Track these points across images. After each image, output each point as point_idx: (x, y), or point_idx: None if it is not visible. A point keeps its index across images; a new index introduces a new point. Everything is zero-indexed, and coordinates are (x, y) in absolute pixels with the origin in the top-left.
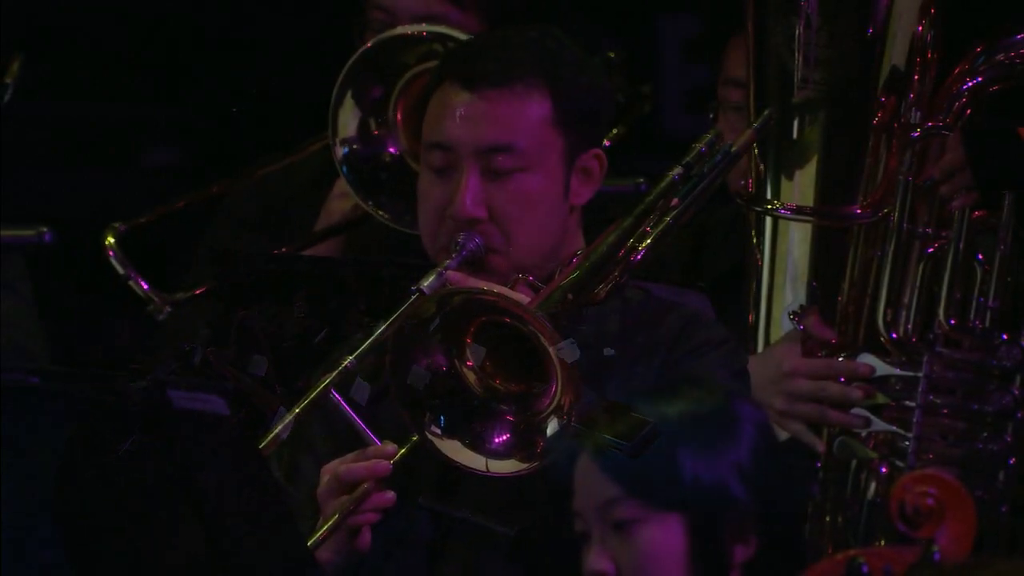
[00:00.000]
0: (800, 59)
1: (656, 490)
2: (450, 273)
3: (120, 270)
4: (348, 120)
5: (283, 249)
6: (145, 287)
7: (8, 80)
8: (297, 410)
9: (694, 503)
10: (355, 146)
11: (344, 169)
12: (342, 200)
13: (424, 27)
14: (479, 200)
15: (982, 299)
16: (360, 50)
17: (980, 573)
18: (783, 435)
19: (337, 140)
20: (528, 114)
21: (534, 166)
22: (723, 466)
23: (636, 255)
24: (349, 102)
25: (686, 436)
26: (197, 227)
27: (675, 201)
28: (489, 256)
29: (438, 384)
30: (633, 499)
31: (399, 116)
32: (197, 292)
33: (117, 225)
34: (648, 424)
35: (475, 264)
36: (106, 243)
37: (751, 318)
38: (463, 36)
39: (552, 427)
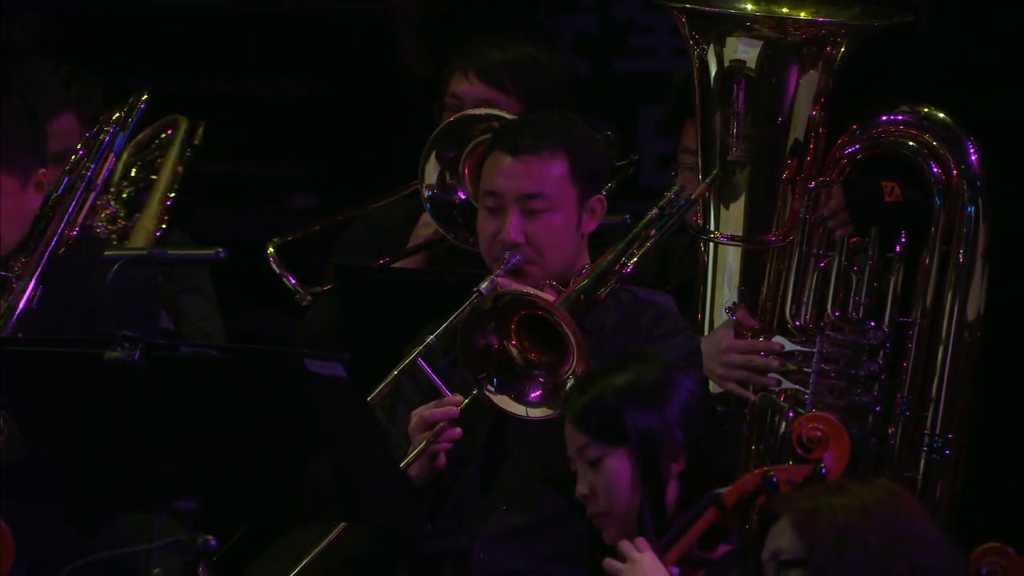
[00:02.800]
0: (732, 135)
1: (611, 436)
2: (500, 279)
3: (276, 270)
4: (431, 172)
5: (386, 259)
6: (293, 282)
7: (196, 142)
8: (395, 373)
9: (637, 442)
10: (436, 190)
11: (428, 205)
12: (426, 228)
13: (484, 111)
14: (519, 231)
15: (857, 298)
16: (443, 123)
17: (841, 494)
18: (719, 390)
19: (424, 185)
20: (552, 172)
21: (557, 207)
22: (658, 416)
23: (626, 269)
24: (432, 159)
25: (629, 398)
26: (327, 244)
27: (653, 232)
28: (526, 266)
29: (492, 356)
30: (597, 443)
31: (466, 171)
32: (325, 288)
33: (276, 240)
34: None
35: (516, 273)
36: (268, 251)
37: (700, 311)
38: (510, 116)
39: (570, 385)
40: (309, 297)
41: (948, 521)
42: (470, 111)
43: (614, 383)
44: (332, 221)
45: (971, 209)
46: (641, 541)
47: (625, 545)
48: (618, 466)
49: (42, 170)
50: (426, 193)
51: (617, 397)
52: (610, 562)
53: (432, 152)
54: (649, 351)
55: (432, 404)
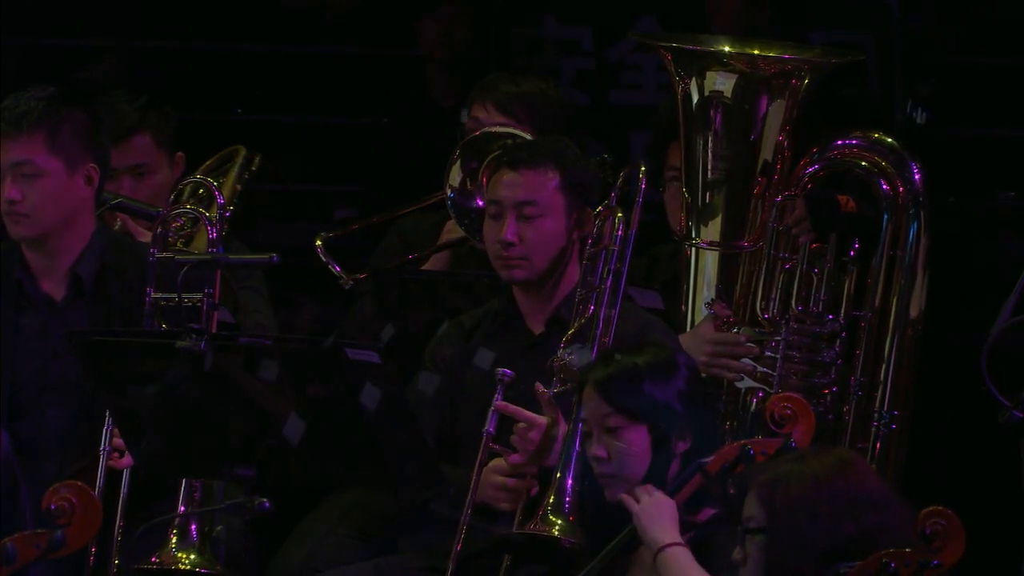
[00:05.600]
0: (711, 155)
1: (632, 409)
2: (498, 404)
3: (323, 259)
4: (455, 181)
5: (414, 255)
6: (337, 269)
7: (253, 168)
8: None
9: (654, 416)
10: (458, 194)
11: (449, 204)
12: (450, 233)
13: (500, 128)
14: (515, 232)
15: (817, 295)
16: (466, 138)
17: (797, 465)
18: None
19: (447, 186)
20: (544, 183)
21: (547, 214)
22: (670, 392)
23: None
24: (456, 169)
25: (649, 375)
26: (368, 243)
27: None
28: (518, 262)
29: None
30: (619, 415)
31: (484, 180)
32: (362, 276)
33: (323, 234)
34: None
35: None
36: (316, 243)
37: (683, 307)
38: (524, 135)
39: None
40: (351, 282)
41: (895, 483)
42: (489, 128)
43: (636, 360)
44: (368, 223)
45: (914, 221)
46: (651, 486)
47: (640, 489)
48: (638, 439)
49: (92, 164)
50: (449, 194)
51: (638, 372)
52: (626, 497)
53: (456, 163)
54: (656, 338)
55: (511, 473)
